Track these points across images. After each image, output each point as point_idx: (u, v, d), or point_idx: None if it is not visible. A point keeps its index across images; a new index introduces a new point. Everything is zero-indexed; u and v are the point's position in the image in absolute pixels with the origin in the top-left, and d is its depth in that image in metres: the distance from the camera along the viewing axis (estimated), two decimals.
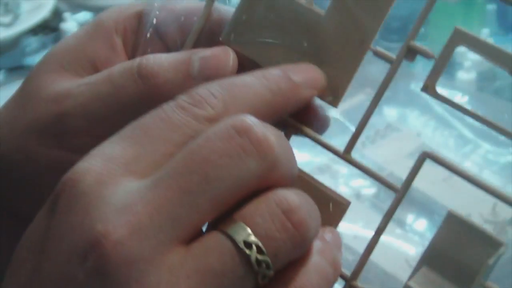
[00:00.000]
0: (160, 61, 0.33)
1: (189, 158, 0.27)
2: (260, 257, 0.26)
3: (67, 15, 1.24)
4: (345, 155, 0.33)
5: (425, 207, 0.78)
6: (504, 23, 1.18)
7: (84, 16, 1.32)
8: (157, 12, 0.36)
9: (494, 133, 0.30)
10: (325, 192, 0.32)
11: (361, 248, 0.32)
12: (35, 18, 1.23)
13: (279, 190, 0.28)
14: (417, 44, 0.32)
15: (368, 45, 0.32)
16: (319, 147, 0.33)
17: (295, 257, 0.28)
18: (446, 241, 0.30)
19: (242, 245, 0.26)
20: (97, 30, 0.37)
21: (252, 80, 0.30)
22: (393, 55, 0.32)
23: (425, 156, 0.31)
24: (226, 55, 0.34)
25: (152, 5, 0.37)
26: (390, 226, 0.32)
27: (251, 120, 0.28)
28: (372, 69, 0.78)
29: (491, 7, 1.21)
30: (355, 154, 0.33)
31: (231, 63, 0.33)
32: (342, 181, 0.82)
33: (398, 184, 0.31)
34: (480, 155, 0.86)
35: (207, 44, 0.35)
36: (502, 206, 0.80)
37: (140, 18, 0.37)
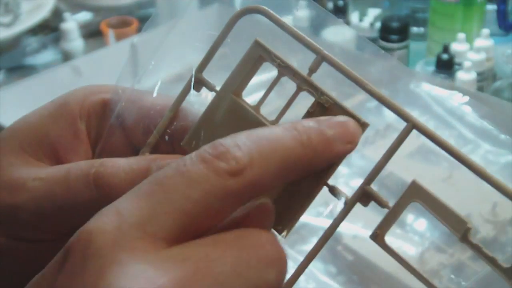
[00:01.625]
0: (117, 171, 0.33)
1: (222, 247, 0.27)
2: None
3: (67, 15, 1.25)
4: None
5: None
6: (504, 23, 1.19)
7: (84, 16, 1.33)
8: (123, 104, 0.36)
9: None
10: None
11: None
12: (35, 18, 1.23)
13: None
14: (373, 189, 0.31)
15: (325, 180, 0.31)
16: None
17: None
18: None
19: None
20: (62, 113, 0.36)
21: (281, 131, 0.29)
22: (348, 196, 0.31)
23: None
24: None
25: (118, 93, 0.36)
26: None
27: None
28: (372, 70, 0.78)
29: (491, 7, 1.21)
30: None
31: None
32: (342, 181, 0.82)
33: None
34: (480, 155, 0.86)
35: (169, 147, 0.34)
36: (502, 206, 0.80)
37: (105, 105, 0.36)
